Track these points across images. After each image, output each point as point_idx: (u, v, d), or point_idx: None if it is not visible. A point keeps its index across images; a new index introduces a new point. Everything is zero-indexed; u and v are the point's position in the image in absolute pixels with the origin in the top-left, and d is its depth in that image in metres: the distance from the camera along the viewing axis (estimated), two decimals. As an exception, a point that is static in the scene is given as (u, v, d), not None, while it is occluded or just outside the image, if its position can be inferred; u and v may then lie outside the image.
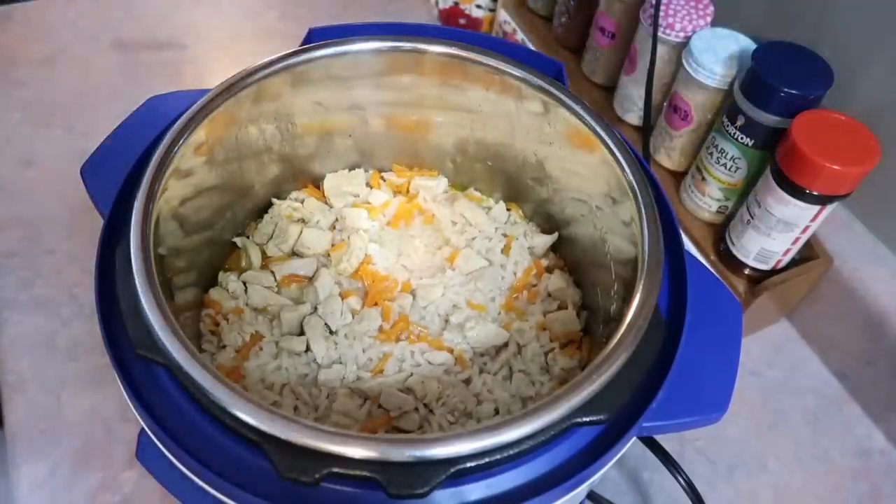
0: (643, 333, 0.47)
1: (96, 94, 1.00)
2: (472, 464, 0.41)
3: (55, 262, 0.84)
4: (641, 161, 0.55)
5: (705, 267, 0.56)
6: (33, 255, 0.84)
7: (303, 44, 0.62)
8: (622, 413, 0.45)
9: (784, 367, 0.82)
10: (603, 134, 0.56)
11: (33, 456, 0.70)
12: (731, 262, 0.78)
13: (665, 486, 0.72)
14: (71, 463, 0.70)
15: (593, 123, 0.57)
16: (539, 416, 0.42)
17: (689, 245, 0.80)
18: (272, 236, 0.67)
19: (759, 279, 0.77)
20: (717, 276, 0.57)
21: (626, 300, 0.51)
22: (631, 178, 0.54)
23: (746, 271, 0.77)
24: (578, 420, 0.43)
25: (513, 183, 0.70)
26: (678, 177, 0.86)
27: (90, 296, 0.81)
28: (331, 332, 0.62)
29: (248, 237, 0.68)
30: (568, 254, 0.69)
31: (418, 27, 0.64)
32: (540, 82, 0.59)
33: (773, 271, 0.77)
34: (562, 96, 0.58)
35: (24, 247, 0.85)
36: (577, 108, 0.57)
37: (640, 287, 0.49)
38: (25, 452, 0.70)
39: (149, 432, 0.45)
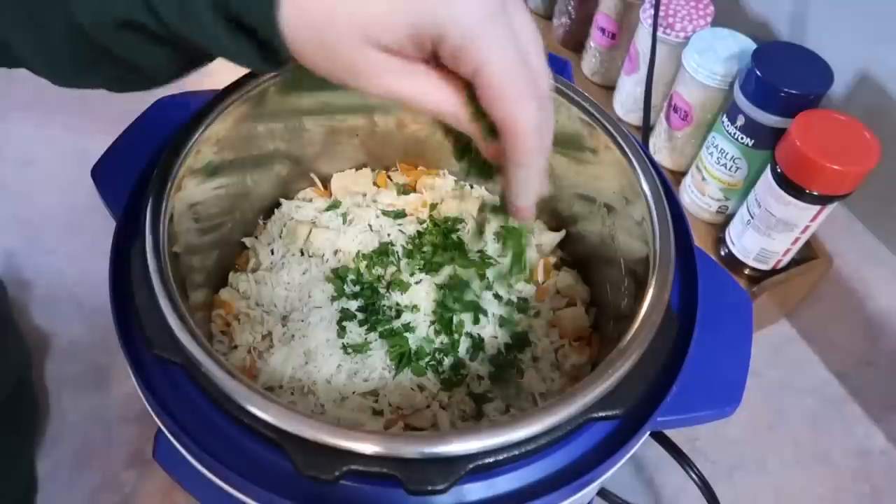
0: (656, 329, 0.47)
1: (96, 94, 0.99)
2: (491, 460, 0.41)
3: (55, 262, 0.83)
4: (651, 159, 0.56)
5: (714, 262, 0.56)
6: (33, 255, 0.84)
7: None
8: (637, 408, 0.46)
9: (784, 367, 0.82)
10: (614, 132, 0.57)
11: (33, 456, 0.70)
12: (731, 262, 0.78)
13: (670, 482, 0.72)
14: (71, 463, 0.70)
15: (604, 122, 0.57)
16: (556, 411, 0.42)
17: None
18: (280, 236, 0.67)
19: (759, 279, 0.77)
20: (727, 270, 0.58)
21: (636, 296, 0.51)
22: (641, 176, 0.54)
23: (746, 271, 0.78)
24: (595, 415, 0.44)
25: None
26: (678, 177, 0.87)
27: (90, 296, 0.81)
28: (343, 331, 0.62)
29: (256, 237, 0.68)
30: (576, 251, 0.69)
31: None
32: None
33: (773, 271, 0.77)
34: (573, 96, 0.58)
35: (24, 247, 0.84)
36: (588, 106, 0.58)
37: (653, 283, 0.49)
38: (26, 452, 0.70)
39: (166, 433, 0.45)
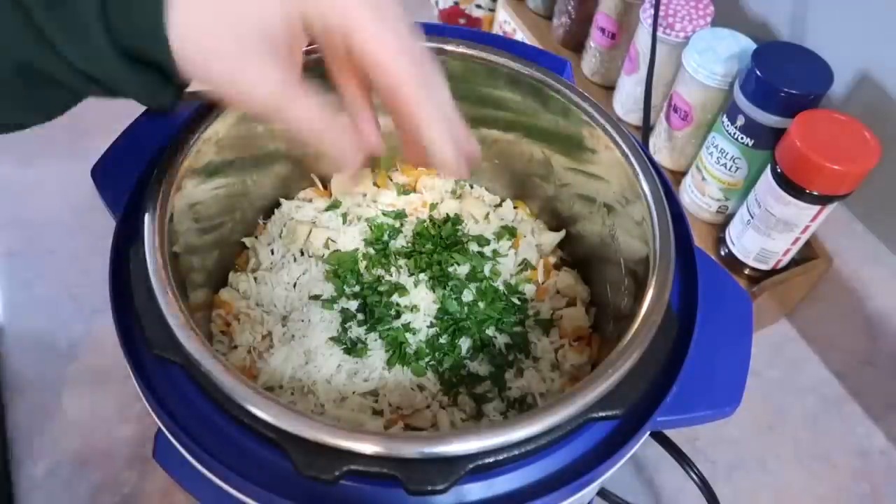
0: (656, 329, 0.47)
1: (96, 94, 1.00)
2: (491, 460, 0.41)
3: (55, 262, 0.83)
4: (651, 159, 0.56)
5: (715, 262, 0.56)
6: (33, 255, 0.84)
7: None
8: (637, 408, 0.45)
9: (784, 367, 0.82)
10: (614, 132, 0.57)
11: (33, 456, 0.70)
12: (731, 262, 0.78)
13: (670, 482, 0.72)
14: (71, 463, 0.70)
15: (604, 122, 0.57)
16: (556, 411, 0.42)
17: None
18: (280, 236, 0.67)
19: (759, 279, 0.77)
20: (727, 270, 0.58)
21: (637, 296, 0.51)
22: (641, 176, 0.54)
23: (746, 271, 0.78)
24: (594, 415, 0.44)
25: (520, 180, 0.71)
26: (678, 177, 0.87)
27: (90, 296, 0.81)
28: (343, 331, 0.62)
29: (256, 237, 0.67)
30: (576, 251, 0.69)
31: (429, 26, 0.64)
32: (552, 81, 0.59)
33: (773, 271, 0.77)
34: (573, 96, 0.58)
35: (24, 247, 0.84)
36: (588, 106, 0.58)
37: (653, 284, 0.49)
38: (25, 452, 0.70)
39: (166, 433, 0.45)
